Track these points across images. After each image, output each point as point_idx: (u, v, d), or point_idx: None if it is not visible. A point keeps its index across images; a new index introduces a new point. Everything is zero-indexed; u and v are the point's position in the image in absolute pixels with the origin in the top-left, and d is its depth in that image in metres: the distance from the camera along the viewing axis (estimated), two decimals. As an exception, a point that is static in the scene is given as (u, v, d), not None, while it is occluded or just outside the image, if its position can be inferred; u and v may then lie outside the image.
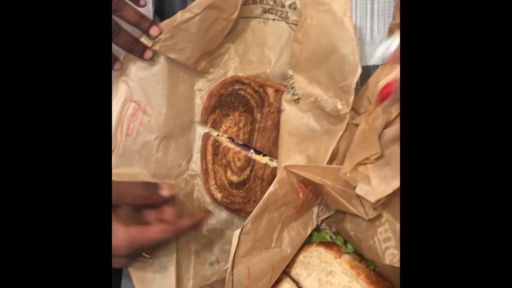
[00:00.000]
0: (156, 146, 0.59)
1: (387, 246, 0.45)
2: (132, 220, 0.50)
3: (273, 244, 0.49)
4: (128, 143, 0.57)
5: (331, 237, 0.53)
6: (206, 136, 0.60)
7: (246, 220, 0.45)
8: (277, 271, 0.49)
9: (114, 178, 0.47)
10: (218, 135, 0.60)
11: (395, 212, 0.44)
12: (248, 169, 0.57)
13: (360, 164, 0.42)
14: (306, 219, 0.52)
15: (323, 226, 0.54)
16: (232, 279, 0.45)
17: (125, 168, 0.57)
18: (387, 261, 0.45)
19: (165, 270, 0.56)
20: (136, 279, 0.56)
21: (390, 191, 0.40)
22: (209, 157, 0.60)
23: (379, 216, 0.46)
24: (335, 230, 0.53)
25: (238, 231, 0.45)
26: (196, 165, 0.63)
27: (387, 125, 0.46)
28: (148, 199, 0.50)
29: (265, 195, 0.45)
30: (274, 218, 0.48)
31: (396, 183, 0.40)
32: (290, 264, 0.53)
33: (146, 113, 0.57)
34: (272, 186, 0.46)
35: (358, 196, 0.44)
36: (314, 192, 0.50)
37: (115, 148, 0.56)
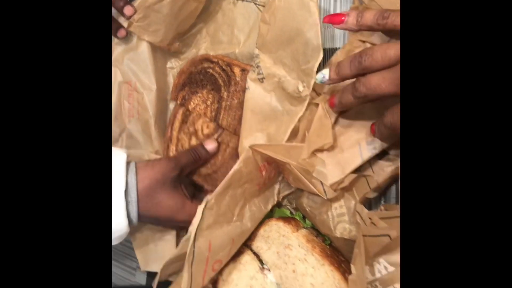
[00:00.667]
0: (153, 123, 0.60)
1: (339, 221, 0.48)
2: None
3: (234, 218, 0.51)
4: (132, 124, 0.60)
5: (291, 212, 0.56)
6: (178, 107, 0.62)
7: (211, 196, 0.47)
8: (236, 243, 0.51)
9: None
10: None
11: (353, 191, 0.47)
12: (216, 134, 0.59)
13: (317, 150, 0.45)
14: (268, 196, 0.54)
15: (285, 202, 0.57)
16: (194, 251, 0.47)
17: (134, 150, 0.60)
18: (338, 234, 0.48)
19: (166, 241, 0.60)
20: (139, 252, 0.60)
21: (343, 176, 0.43)
22: (176, 124, 0.61)
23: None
24: (295, 206, 0.56)
25: (202, 205, 0.47)
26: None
27: (342, 112, 0.48)
28: (201, 160, 0.56)
29: (230, 172, 0.47)
30: (237, 195, 0.50)
31: (349, 168, 0.43)
32: (252, 238, 0.56)
33: (138, 90, 0.59)
34: (237, 164, 0.47)
35: (320, 180, 0.47)
36: (276, 169, 0.53)
37: (123, 130, 0.59)
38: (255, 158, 0.48)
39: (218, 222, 0.49)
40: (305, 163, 0.45)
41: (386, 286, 0.46)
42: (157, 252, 0.60)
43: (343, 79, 0.42)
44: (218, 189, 0.47)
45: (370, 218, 0.41)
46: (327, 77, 0.43)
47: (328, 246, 0.52)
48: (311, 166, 0.45)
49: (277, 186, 0.55)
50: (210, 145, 0.57)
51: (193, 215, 0.46)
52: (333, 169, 0.43)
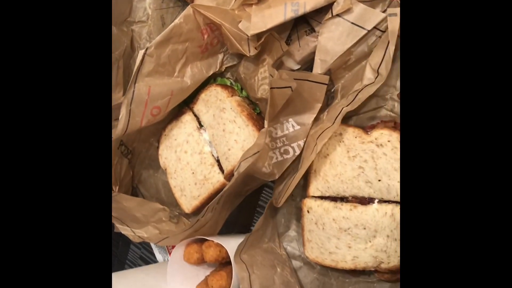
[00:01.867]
0: None
1: (262, 83, 0.54)
2: None
3: (175, 74, 0.57)
4: None
5: (231, 83, 0.62)
6: None
7: (150, 44, 0.53)
8: (175, 97, 0.57)
9: None
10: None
11: (274, 56, 0.53)
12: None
13: (247, 4, 0.50)
14: (211, 62, 0.60)
15: (228, 75, 0.63)
16: (133, 91, 0.53)
17: None
18: (259, 95, 0.54)
19: None
20: None
21: (264, 29, 0.48)
22: None
23: (262, 60, 0.54)
24: (235, 78, 0.62)
25: (143, 51, 0.53)
26: (137, 13, 0.69)
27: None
28: None
29: (170, 26, 0.53)
30: (178, 51, 0.55)
31: (271, 23, 0.48)
32: (194, 101, 0.63)
33: None
34: (177, 19, 0.53)
35: (248, 39, 0.52)
36: (220, 39, 0.58)
37: None
38: (197, 18, 0.53)
39: (158, 72, 0.55)
40: (234, 14, 0.50)
41: (291, 142, 0.53)
42: None
43: None
44: (158, 38, 0.52)
45: (279, 75, 0.47)
46: None
47: (256, 114, 0.59)
48: (239, 17, 0.50)
49: (220, 56, 0.60)
50: None
51: None
52: (258, 21, 0.48)
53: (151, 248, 0.73)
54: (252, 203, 0.63)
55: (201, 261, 0.56)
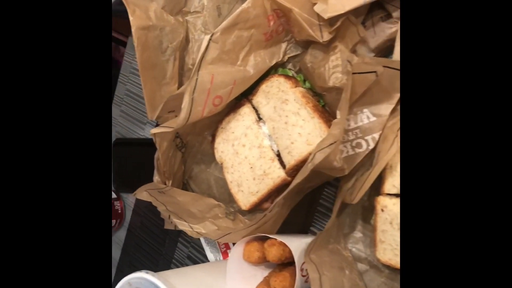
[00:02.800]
0: None
1: (334, 71, 0.51)
2: None
3: (238, 62, 0.54)
4: None
5: (293, 74, 0.59)
6: None
7: (216, 29, 0.50)
8: (238, 86, 0.55)
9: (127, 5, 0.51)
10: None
11: (348, 43, 0.50)
12: None
13: None
14: (274, 51, 0.57)
15: (289, 66, 0.60)
16: (197, 79, 0.51)
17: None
18: (331, 83, 0.51)
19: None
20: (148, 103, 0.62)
21: (343, 11, 0.45)
22: None
23: (333, 47, 0.51)
24: (298, 69, 0.59)
25: (208, 36, 0.50)
26: (192, 3, 0.67)
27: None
28: None
29: (237, 10, 0.50)
30: (244, 37, 0.53)
31: (349, 5, 0.45)
32: (254, 93, 0.60)
33: None
34: (245, 3, 0.50)
35: (319, 24, 0.49)
36: (285, 26, 0.55)
37: None
38: (264, 3, 0.51)
39: (222, 60, 0.52)
40: None
41: (365, 135, 0.49)
42: (162, 99, 0.64)
43: None
44: (224, 23, 0.50)
45: (361, 60, 0.44)
46: None
47: (321, 106, 0.56)
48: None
49: (284, 45, 0.57)
50: None
51: None
52: (335, 3, 0.45)
53: (199, 247, 0.71)
54: (311, 202, 0.60)
55: (261, 260, 0.53)
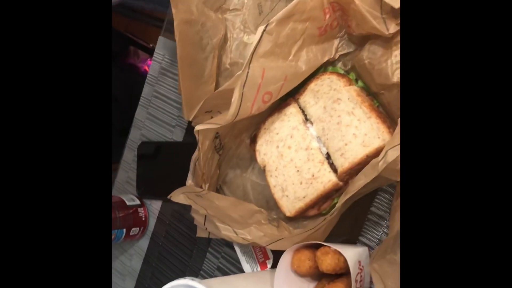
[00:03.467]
0: None
1: (398, 67, 0.47)
2: None
3: (290, 58, 0.51)
4: None
5: (344, 73, 0.56)
6: None
7: (271, 20, 0.47)
8: (288, 82, 0.51)
9: None
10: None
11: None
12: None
13: None
14: (326, 48, 0.54)
15: (340, 65, 0.57)
16: (248, 72, 0.47)
17: None
18: (395, 79, 0.48)
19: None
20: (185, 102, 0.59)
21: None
22: None
23: (396, 42, 0.48)
24: (350, 68, 0.55)
25: (262, 27, 0.47)
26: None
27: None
28: None
29: (294, 0, 0.47)
30: (298, 30, 0.49)
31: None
32: (300, 92, 0.56)
33: None
34: (303, -7, 0.47)
35: (382, 17, 0.46)
36: (339, 21, 0.52)
37: None
38: None
39: (274, 54, 0.49)
40: None
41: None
42: (199, 99, 0.60)
43: None
44: (280, 14, 0.47)
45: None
46: None
47: (376, 106, 0.52)
48: None
49: (336, 42, 0.54)
50: None
51: None
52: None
53: (231, 258, 0.66)
54: (361, 209, 0.56)
55: (312, 270, 0.49)
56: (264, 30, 0.47)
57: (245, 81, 0.48)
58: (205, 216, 0.54)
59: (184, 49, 0.56)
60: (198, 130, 0.52)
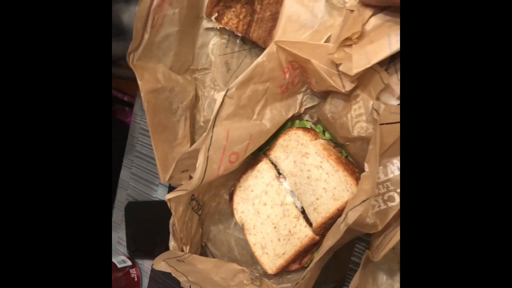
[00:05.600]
0: (176, 39, 0.59)
1: (358, 121, 0.48)
2: None
3: (254, 117, 0.52)
4: (151, 35, 0.57)
5: (311, 126, 0.56)
6: None
7: (231, 85, 0.48)
8: (254, 141, 0.52)
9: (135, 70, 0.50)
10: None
11: (371, 91, 0.47)
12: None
13: (346, 46, 0.45)
14: (290, 103, 0.55)
15: (306, 117, 0.57)
16: (212, 136, 0.48)
17: (145, 61, 0.58)
18: (355, 133, 0.48)
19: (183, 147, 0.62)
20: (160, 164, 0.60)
21: (368, 66, 0.43)
22: None
23: (355, 96, 0.48)
24: (316, 120, 0.56)
25: (223, 92, 0.48)
26: (199, 60, 0.65)
27: (374, 13, 0.48)
28: None
29: (252, 64, 0.48)
30: (259, 91, 0.51)
31: (375, 58, 0.43)
32: (271, 148, 0.57)
33: (172, 5, 0.57)
34: (260, 57, 0.48)
35: (339, 74, 0.47)
36: (300, 78, 0.53)
37: (141, 41, 0.56)
38: (280, 56, 0.49)
39: (237, 115, 0.50)
40: (333, 58, 0.45)
41: (398, 187, 0.46)
42: (175, 161, 0.61)
43: None
44: (240, 79, 0.48)
45: (388, 109, 0.41)
46: None
47: (344, 157, 0.53)
48: (339, 60, 0.45)
49: (299, 97, 0.55)
50: None
51: None
52: (360, 58, 0.43)
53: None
54: (343, 259, 0.55)
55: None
56: (225, 95, 0.48)
57: (210, 144, 0.48)
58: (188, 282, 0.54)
59: (154, 117, 0.57)
60: (169, 199, 0.52)
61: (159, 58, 0.60)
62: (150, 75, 0.57)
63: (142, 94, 0.55)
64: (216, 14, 0.62)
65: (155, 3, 0.56)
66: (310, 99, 0.56)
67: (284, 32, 0.53)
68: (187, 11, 0.59)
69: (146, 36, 0.56)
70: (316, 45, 0.48)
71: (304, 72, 0.51)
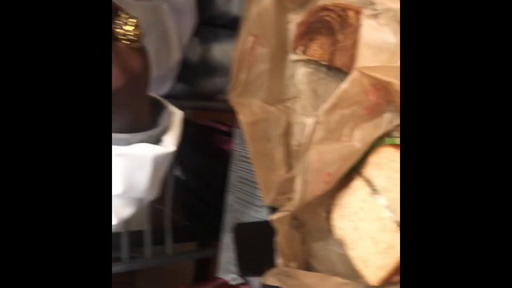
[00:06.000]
0: (267, 75, 0.66)
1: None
2: None
3: (344, 139, 0.56)
4: (246, 75, 0.65)
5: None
6: None
7: (320, 111, 0.53)
8: (346, 162, 0.56)
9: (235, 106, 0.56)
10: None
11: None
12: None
13: None
14: (377, 123, 0.58)
15: (395, 134, 0.60)
16: (306, 160, 0.53)
17: (242, 98, 0.66)
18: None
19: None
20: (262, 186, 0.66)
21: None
22: None
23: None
24: (405, 136, 0.58)
25: (313, 119, 0.53)
26: (289, 90, 0.72)
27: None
28: None
29: (337, 91, 0.53)
30: (346, 115, 0.55)
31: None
32: (363, 166, 0.60)
33: (263, 45, 0.65)
34: (344, 83, 0.53)
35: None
36: (385, 98, 0.56)
37: (238, 81, 0.64)
38: (362, 81, 0.53)
39: (328, 139, 0.54)
40: None
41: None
42: (273, 182, 0.66)
43: None
44: (327, 105, 0.53)
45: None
46: None
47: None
48: None
49: (386, 115, 0.58)
50: None
51: None
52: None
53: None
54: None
55: None
56: (315, 122, 0.53)
57: (305, 169, 0.53)
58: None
59: (254, 146, 0.64)
60: (273, 219, 0.58)
61: (254, 93, 0.67)
62: (248, 110, 0.64)
63: (244, 128, 0.63)
64: (302, 48, 0.68)
65: (249, 46, 0.63)
66: (397, 116, 0.58)
67: (364, 57, 0.57)
68: (275, 48, 0.66)
69: (243, 76, 0.63)
70: (395, 68, 0.51)
71: (388, 92, 0.54)
